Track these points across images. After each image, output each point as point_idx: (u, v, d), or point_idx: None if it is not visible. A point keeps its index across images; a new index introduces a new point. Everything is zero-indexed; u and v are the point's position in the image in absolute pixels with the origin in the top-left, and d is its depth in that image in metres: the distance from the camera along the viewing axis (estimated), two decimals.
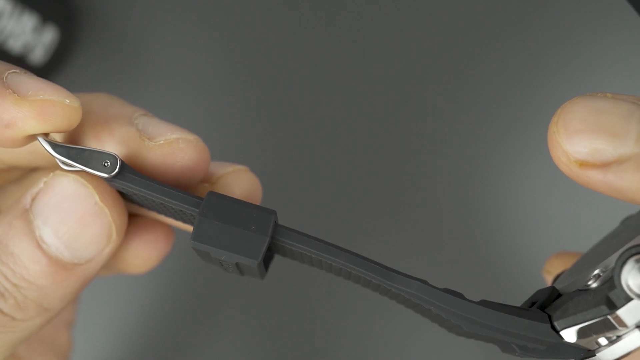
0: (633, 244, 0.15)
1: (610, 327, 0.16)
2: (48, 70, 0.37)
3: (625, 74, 0.36)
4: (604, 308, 0.16)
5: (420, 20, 0.38)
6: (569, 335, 0.17)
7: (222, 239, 0.18)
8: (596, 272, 0.17)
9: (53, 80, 0.18)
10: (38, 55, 0.36)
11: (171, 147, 0.19)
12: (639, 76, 0.36)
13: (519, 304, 0.19)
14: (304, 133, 0.38)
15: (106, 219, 0.19)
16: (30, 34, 0.35)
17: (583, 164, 0.15)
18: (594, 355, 0.17)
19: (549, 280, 0.24)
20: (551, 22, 0.38)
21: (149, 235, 0.22)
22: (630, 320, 0.15)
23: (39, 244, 0.18)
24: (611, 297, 0.15)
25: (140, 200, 0.19)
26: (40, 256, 0.18)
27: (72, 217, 0.18)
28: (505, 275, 0.35)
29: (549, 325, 0.17)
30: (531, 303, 0.19)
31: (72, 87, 0.18)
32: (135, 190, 0.18)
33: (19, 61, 0.35)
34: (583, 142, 0.15)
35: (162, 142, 0.19)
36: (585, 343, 0.17)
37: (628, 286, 0.15)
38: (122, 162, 0.18)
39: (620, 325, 0.16)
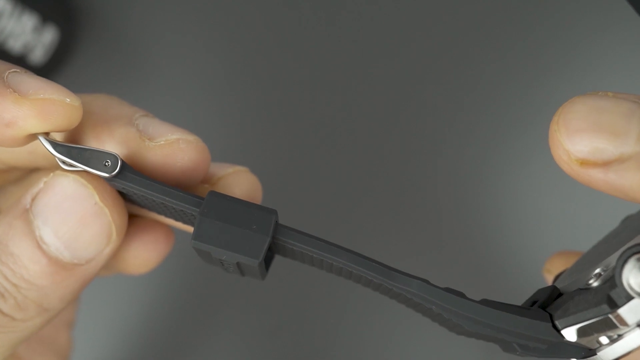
0: (634, 243, 0.15)
1: (611, 326, 0.16)
2: (48, 70, 0.37)
3: (625, 74, 0.36)
4: (605, 307, 0.16)
5: (420, 20, 0.38)
6: (570, 334, 0.17)
7: (223, 239, 0.17)
8: (597, 271, 0.17)
9: (53, 80, 0.18)
10: (38, 55, 0.36)
11: (172, 147, 0.19)
12: (639, 76, 0.36)
13: (519, 304, 0.19)
14: (304, 133, 0.38)
15: (106, 219, 0.19)
16: (30, 34, 0.35)
17: (584, 162, 0.15)
18: (595, 354, 0.17)
19: (549, 279, 0.24)
20: (551, 22, 0.38)
21: (149, 235, 0.22)
22: (631, 319, 0.15)
23: (39, 244, 0.18)
24: (612, 296, 0.15)
25: (140, 200, 0.19)
26: (40, 256, 0.18)
27: (72, 217, 0.18)
28: (505, 275, 0.35)
29: (550, 324, 0.17)
30: (532, 302, 0.19)
31: (72, 87, 0.18)
32: (136, 190, 0.18)
33: (19, 61, 0.35)
34: (584, 141, 0.15)
35: (162, 142, 0.19)
36: (587, 342, 0.17)
37: (629, 285, 0.15)
38: (123, 162, 0.18)
39: (621, 324, 0.16)
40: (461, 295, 0.18)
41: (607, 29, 0.37)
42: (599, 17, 0.37)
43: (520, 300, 0.20)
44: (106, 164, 0.18)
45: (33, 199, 0.18)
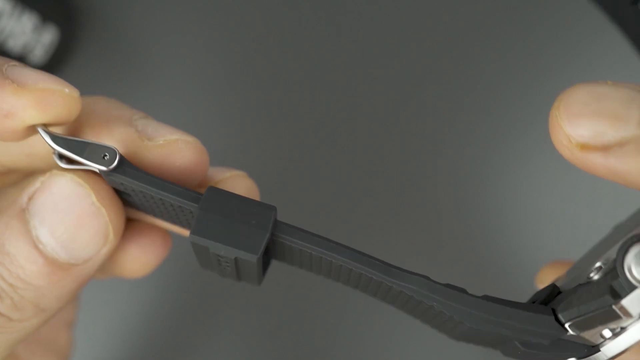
0: (634, 234, 0.15)
1: (614, 318, 0.16)
2: (48, 70, 0.37)
3: (625, 74, 0.36)
4: (608, 298, 0.16)
5: (420, 21, 0.38)
6: (573, 327, 0.17)
7: (221, 234, 0.17)
8: (597, 264, 0.17)
9: None
10: (38, 55, 0.36)
11: (170, 147, 0.19)
12: (639, 76, 0.36)
13: None
14: (304, 133, 0.38)
15: (103, 219, 0.19)
16: (30, 34, 0.35)
17: (585, 147, 0.16)
18: (599, 350, 0.17)
19: None
20: (551, 22, 0.38)
21: (146, 239, 0.22)
22: (635, 310, 0.15)
23: (35, 244, 0.18)
24: (615, 286, 0.15)
25: (137, 199, 0.19)
26: (37, 256, 0.18)
27: (68, 217, 0.18)
28: (505, 275, 0.35)
29: (552, 317, 0.17)
30: (532, 302, 0.19)
31: None
32: (134, 186, 0.18)
33: (19, 61, 0.35)
34: (585, 125, 0.15)
35: (161, 142, 0.19)
36: (590, 336, 0.17)
37: (632, 274, 0.15)
38: (121, 156, 0.18)
39: (625, 315, 0.16)
40: (462, 291, 0.18)
41: (607, 29, 0.37)
42: (599, 17, 0.37)
43: (520, 300, 0.20)
44: (104, 156, 0.18)
45: (30, 199, 0.18)
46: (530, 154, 0.36)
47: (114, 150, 0.18)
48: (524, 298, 0.20)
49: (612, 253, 0.16)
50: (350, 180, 0.37)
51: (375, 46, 0.38)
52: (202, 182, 0.20)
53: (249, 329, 0.36)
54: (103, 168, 0.18)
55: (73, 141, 0.18)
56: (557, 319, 0.17)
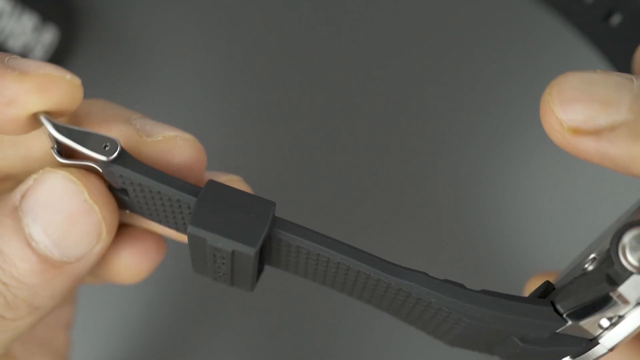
0: (627, 221, 0.15)
1: (612, 305, 0.16)
2: None
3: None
4: (605, 285, 0.16)
5: (420, 21, 0.38)
6: (572, 317, 0.17)
7: (220, 226, 0.17)
8: (592, 256, 0.17)
9: None
10: (38, 55, 0.36)
11: (169, 143, 0.19)
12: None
13: None
14: (304, 133, 0.38)
15: (96, 217, 0.18)
16: (30, 34, 0.35)
17: (576, 131, 0.16)
18: (598, 343, 0.17)
19: None
20: (551, 22, 0.38)
21: (140, 245, 0.22)
22: (632, 296, 0.15)
23: (28, 242, 0.18)
24: (611, 274, 0.15)
25: (134, 198, 0.19)
26: (30, 254, 0.18)
27: (61, 214, 0.18)
28: (505, 275, 0.35)
29: (551, 308, 0.17)
30: None
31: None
32: (134, 177, 0.18)
33: None
34: (577, 109, 0.16)
35: (160, 138, 0.19)
36: (588, 326, 0.17)
37: (627, 261, 0.15)
38: (122, 147, 0.18)
39: (622, 302, 0.16)
40: (461, 286, 0.18)
41: None
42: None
43: None
44: (105, 147, 0.18)
45: (22, 196, 0.18)
46: (530, 154, 0.36)
47: (115, 141, 0.18)
48: None
49: (606, 244, 0.16)
50: (350, 180, 0.37)
51: (375, 46, 0.38)
52: (199, 184, 0.20)
53: (249, 329, 0.36)
54: (103, 158, 0.18)
55: (75, 130, 0.18)
56: (555, 310, 0.17)
